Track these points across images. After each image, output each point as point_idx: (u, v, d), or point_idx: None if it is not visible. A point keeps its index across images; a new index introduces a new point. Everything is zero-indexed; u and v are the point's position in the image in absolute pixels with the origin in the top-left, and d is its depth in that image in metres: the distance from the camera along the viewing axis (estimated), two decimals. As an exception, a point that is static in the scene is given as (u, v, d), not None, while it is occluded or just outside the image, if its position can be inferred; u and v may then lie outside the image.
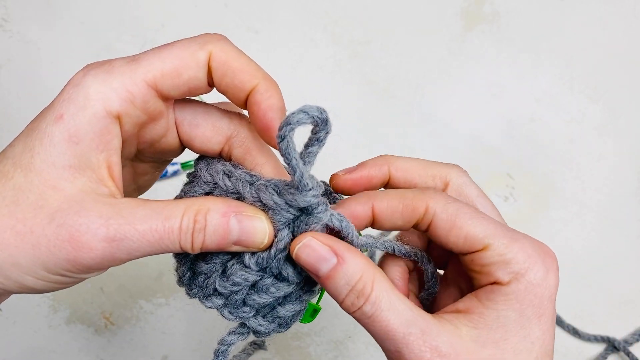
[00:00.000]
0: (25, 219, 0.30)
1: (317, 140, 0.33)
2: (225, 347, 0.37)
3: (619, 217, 0.77)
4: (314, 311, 0.38)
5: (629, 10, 0.84)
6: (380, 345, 0.33)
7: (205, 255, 0.36)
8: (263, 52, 0.80)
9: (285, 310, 0.36)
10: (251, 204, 0.34)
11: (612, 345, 0.71)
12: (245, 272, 0.34)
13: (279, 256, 0.34)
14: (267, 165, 0.36)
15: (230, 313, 0.36)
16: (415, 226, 0.35)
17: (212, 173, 0.35)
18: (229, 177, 0.35)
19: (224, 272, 0.35)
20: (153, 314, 0.71)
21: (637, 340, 0.72)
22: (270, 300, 0.35)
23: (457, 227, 0.33)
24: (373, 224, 0.36)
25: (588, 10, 0.84)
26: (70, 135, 0.30)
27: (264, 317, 0.36)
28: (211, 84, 0.34)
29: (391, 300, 0.32)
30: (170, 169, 0.73)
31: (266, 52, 0.80)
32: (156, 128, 0.34)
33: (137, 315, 0.71)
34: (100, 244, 0.30)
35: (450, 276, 0.39)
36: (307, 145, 0.33)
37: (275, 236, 0.33)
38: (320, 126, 0.32)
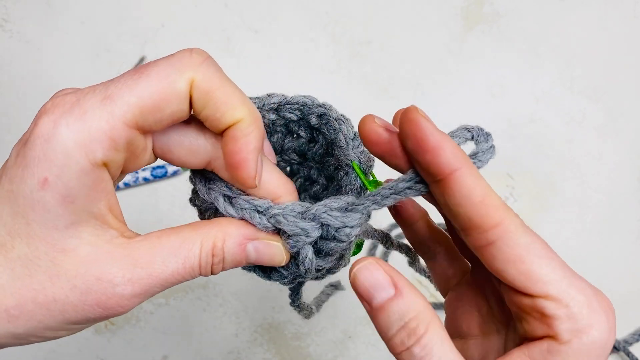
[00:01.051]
0: (44, 289, 0.29)
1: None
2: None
3: (619, 217, 0.78)
4: (358, 246, 0.39)
5: (629, 10, 0.84)
6: None
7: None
8: (263, 52, 0.80)
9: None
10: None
11: (612, 345, 0.71)
12: (285, 284, 0.37)
13: (310, 274, 0.35)
14: (261, 188, 0.34)
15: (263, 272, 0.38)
16: (466, 236, 0.30)
17: (212, 198, 0.34)
18: (232, 203, 0.33)
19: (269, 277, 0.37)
20: (153, 314, 0.71)
21: (637, 340, 0.72)
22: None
23: (524, 262, 0.28)
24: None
25: (588, 10, 0.84)
26: (63, 197, 0.28)
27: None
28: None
29: (444, 350, 0.28)
30: (170, 168, 0.73)
31: (266, 52, 0.80)
32: (140, 159, 0.33)
33: (137, 315, 0.71)
34: (128, 301, 0.30)
35: (466, 294, 0.36)
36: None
37: (297, 254, 0.34)
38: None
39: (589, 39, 0.83)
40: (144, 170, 0.73)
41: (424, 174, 0.30)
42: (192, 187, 0.37)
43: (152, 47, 0.79)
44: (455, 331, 0.37)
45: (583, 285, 0.29)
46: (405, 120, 0.29)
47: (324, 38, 0.82)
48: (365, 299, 0.30)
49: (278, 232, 0.33)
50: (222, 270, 0.33)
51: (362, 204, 0.32)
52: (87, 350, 0.70)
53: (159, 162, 0.77)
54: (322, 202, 0.33)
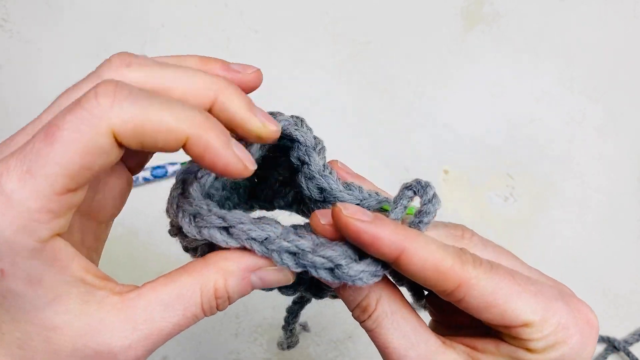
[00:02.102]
0: None
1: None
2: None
3: (619, 217, 0.77)
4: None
5: (629, 10, 0.84)
6: None
7: None
8: (263, 52, 0.80)
9: None
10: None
11: (612, 345, 0.71)
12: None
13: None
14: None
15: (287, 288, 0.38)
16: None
17: (204, 233, 0.31)
18: (230, 234, 0.31)
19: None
20: (153, 314, 0.71)
21: (637, 340, 0.72)
22: None
23: (493, 306, 0.31)
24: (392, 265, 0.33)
25: (588, 10, 0.84)
26: (27, 281, 0.27)
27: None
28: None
29: (395, 320, 0.32)
30: (170, 168, 0.73)
31: (266, 52, 0.80)
32: (100, 197, 0.32)
33: (137, 315, 0.71)
34: (98, 347, 0.28)
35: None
36: None
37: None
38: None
39: (589, 39, 0.83)
40: (144, 170, 0.73)
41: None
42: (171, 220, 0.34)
43: (152, 47, 0.79)
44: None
45: (558, 305, 0.32)
46: (338, 227, 0.31)
47: (324, 38, 0.82)
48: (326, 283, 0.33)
49: None
50: (225, 306, 0.32)
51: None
52: (87, 350, 0.70)
53: (159, 162, 0.77)
54: (319, 254, 0.31)
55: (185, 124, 0.27)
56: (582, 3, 0.84)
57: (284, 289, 0.37)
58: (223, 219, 0.31)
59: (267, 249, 0.31)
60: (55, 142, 0.26)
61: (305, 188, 0.36)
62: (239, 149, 0.29)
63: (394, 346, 0.32)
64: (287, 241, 0.31)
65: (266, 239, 0.31)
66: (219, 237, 0.31)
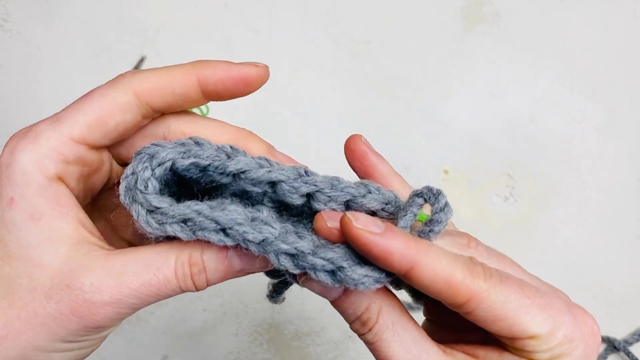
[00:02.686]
0: (25, 304, 0.30)
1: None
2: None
3: (619, 217, 0.78)
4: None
5: (629, 10, 0.84)
6: None
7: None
8: (263, 52, 0.80)
9: None
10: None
11: (612, 345, 0.71)
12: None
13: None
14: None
15: (270, 273, 0.37)
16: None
17: (199, 235, 0.30)
18: (226, 234, 0.30)
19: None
20: (153, 314, 0.71)
21: (637, 340, 0.72)
22: None
23: (502, 319, 0.31)
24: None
25: (588, 10, 0.84)
26: (30, 214, 0.31)
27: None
28: (154, 113, 0.34)
29: (396, 332, 0.32)
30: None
31: (266, 52, 0.80)
32: (101, 175, 0.34)
33: (137, 315, 0.71)
34: (100, 309, 0.30)
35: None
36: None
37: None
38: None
39: (589, 39, 0.83)
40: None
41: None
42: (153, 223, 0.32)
43: (152, 47, 0.79)
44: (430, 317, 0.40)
45: (565, 318, 0.32)
46: (346, 237, 0.30)
47: (324, 38, 0.82)
48: (323, 297, 0.33)
49: None
50: (208, 282, 0.32)
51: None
52: (87, 350, 0.70)
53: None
54: (320, 256, 0.30)
55: (188, 66, 0.33)
56: (582, 3, 0.84)
57: (269, 274, 0.36)
58: (217, 222, 0.30)
59: (265, 250, 0.30)
60: (86, 99, 0.32)
61: (327, 209, 0.34)
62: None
63: (395, 358, 0.32)
64: (286, 243, 0.30)
65: (263, 240, 0.30)
66: (216, 239, 0.30)
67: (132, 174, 0.31)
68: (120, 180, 0.31)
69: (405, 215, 0.33)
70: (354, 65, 0.81)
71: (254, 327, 0.72)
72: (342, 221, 0.30)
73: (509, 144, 0.79)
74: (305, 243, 0.30)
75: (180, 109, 0.34)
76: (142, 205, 0.31)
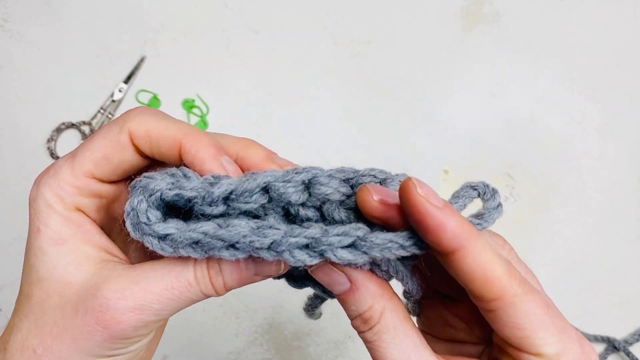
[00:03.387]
0: (56, 321, 0.32)
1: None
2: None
3: (619, 217, 0.78)
4: None
5: (629, 10, 0.84)
6: None
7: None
8: (263, 52, 0.80)
9: None
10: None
11: (612, 345, 0.71)
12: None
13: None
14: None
15: (296, 282, 0.37)
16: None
17: (211, 254, 0.31)
18: (236, 248, 0.30)
19: None
20: (153, 314, 0.71)
21: (637, 340, 0.72)
22: None
23: (520, 328, 0.30)
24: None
25: (588, 10, 0.84)
26: (54, 240, 0.33)
27: None
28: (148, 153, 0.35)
29: (397, 336, 0.31)
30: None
31: (266, 52, 0.80)
32: (122, 203, 0.35)
33: (137, 315, 0.71)
34: (124, 316, 0.31)
35: (463, 313, 0.38)
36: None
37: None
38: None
39: (589, 39, 0.83)
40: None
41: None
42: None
43: (152, 47, 0.79)
44: (429, 330, 0.40)
45: (574, 347, 0.32)
46: (403, 200, 0.29)
47: (324, 38, 0.82)
48: (330, 289, 0.33)
49: None
50: (226, 285, 0.33)
51: (368, 250, 0.30)
52: (87, 350, 0.70)
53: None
54: (333, 234, 0.30)
55: (181, 132, 0.33)
56: (582, 3, 0.84)
57: (292, 282, 0.36)
58: (223, 240, 0.30)
59: (277, 252, 0.30)
60: (94, 137, 0.35)
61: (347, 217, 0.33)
62: (227, 162, 0.33)
63: None
64: (294, 236, 0.30)
65: (272, 243, 0.30)
66: (227, 255, 0.30)
67: (132, 210, 0.31)
68: (124, 218, 0.32)
69: (455, 204, 0.33)
70: (354, 65, 0.81)
71: (254, 327, 0.72)
72: (404, 185, 0.29)
73: (509, 144, 0.79)
74: (313, 230, 0.30)
75: (159, 159, 0.35)
76: (152, 236, 0.31)
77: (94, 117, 0.76)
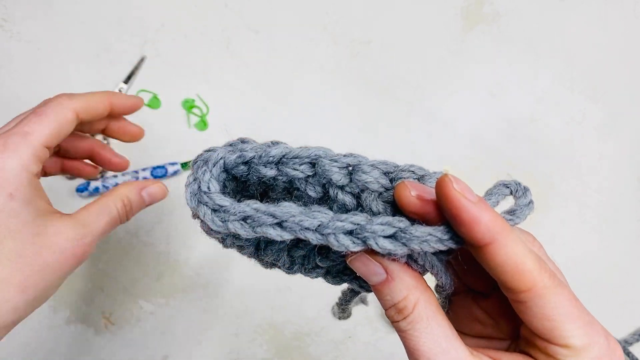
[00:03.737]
0: (34, 255, 0.43)
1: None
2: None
3: (619, 217, 0.78)
4: None
5: (629, 10, 0.84)
6: None
7: (298, 243, 0.38)
8: (263, 52, 0.80)
9: None
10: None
11: None
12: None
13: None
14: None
15: (333, 278, 0.38)
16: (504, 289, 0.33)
17: (258, 231, 0.32)
18: (282, 227, 0.32)
19: (319, 251, 0.37)
20: (153, 314, 0.71)
21: (637, 340, 0.72)
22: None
23: (549, 320, 0.32)
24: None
25: (588, 10, 0.84)
26: (25, 202, 0.44)
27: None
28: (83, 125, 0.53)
29: (430, 326, 0.32)
30: (170, 168, 0.73)
31: (266, 52, 0.80)
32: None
33: (137, 315, 0.71)
34: (68, 243, 0.44)
35: (491, 308, 0.39)
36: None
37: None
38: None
39: (589, 39, 0.83)
40: (144, 170, 0.73)
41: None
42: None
43: (152, 47, 0.79)
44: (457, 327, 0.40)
45: (600, 340, 0.33)
46: (439, 195, 0.31)
47: (324, 38, 0.82)
48: (366, 279, 0.34)
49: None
50: (132, 213, 0.51)
51: (408, 241, 0.31)
52: (87, 351, 0.70)
53: (159, 162, 0.76)
54: (377, 223, 0.31)
55: (105, 94, 0.53)
56: (582, 3, 0.84)
57: (329, 278, 0.37)
58: (274, 216, 0.31)
59: (322, 234, 0.31)
60: (45, 117, 0.47)
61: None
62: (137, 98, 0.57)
63: (424, 349, 0.32)
64: (341, 221, 0.31)
65: (319, 225, 0.31)
66: (274, 233, 0.31)
67: (195, 180, 0.34)
68: (185, 187, 0.34)
69: (489, 200, 0.34)
70: (354, 65, 0.81)
71: (254, 327, 0.72)
72: (440, 181, 0.31)
73: (509, 144, 0.79)
74: (359, 217, 0.31)
75: (90, 120, 0.52)
76: (207, 205, 0.33)
77: (94, 117, 0.76)
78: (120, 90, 0.77)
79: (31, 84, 0.77)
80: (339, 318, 0.46)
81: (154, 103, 0.77)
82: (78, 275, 0.72)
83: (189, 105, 0.77)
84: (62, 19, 0.79)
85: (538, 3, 0.84)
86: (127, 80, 0.77)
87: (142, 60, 0.79)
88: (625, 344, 0.71)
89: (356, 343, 0.71)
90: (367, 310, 0.72)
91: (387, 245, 0.30)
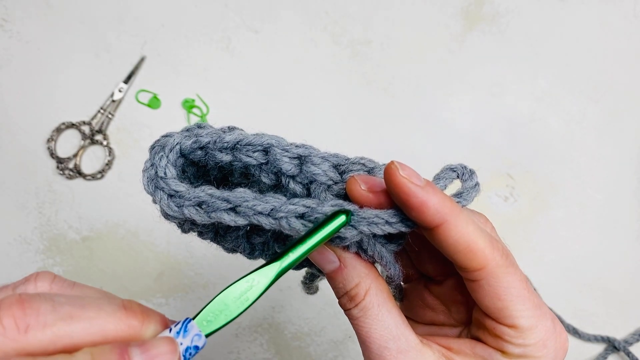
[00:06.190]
0: None
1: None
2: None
3: (619, 217, 0.78)
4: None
5: (629, 10, 0.84)
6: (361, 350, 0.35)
7: (257, 230, 0.38)
8: (263, 52, 0.80)
9: None
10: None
11: (612, 345, 0.71)
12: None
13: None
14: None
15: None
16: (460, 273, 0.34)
17: (213, 216, 0.32)
18: (236, 212, 0.32)
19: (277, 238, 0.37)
20: (153, 314, 0.71)
21: (637, 340, 0.72)
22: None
23: (499, 299, 0.32)
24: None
25: (588, 10, 0.84)
26: None
27: None
28: None
29: (380, 313, 0.33)
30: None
31: (266, 52, 0.80)
32: None
33: (137, 315, 0.71)
34: None
35: (444, 294, 0.39)
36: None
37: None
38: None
39: (589, 39, 0.83)
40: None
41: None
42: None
43: (152, 47, 0.79)
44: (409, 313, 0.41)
45: (547, 323, 0.33)
46: (388, 183, 0.32)
47: (324, 38, 0.82)
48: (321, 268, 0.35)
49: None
50: None
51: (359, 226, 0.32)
52: (87, 350, 0.70)
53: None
54: (328, 205, 0.31)
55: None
56: (582, 3, 0.84)
57: (294, 267, 0.38)
58: (228, 201, 0.32)
59: (275, 218, 0.31)
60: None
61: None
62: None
63: (375, 337, 0.33)
64: (293, 204, 0.31)
65: (272, 209, 0.31)
66: (228, 218, 0.32)
67: (152, 165, 0.34)
68: (142, 172, 0.34)
69: (437, 185, 0.34)
70: (354, 65, 0.81)
71: (254, 327, 0.72)
72: (387, 169, 0.31)
73: (509, 144, 0.79)
74: (310, 200, 0.32)
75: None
76: (163, 191, 0.33)
77: (94, 117, 0.76)
78: (120, 91, 0.77)
79: (31, 84, 0.77)
80: (307, 293, 0.47)
81: (154, 103, 0.77)
82: (78, 275, 0.72)
83: (189, 105, 0.77)
84: (62, 19, 0.79)
85: (538, 3, 0.84)
86: (127, 80, 0.77)
87: (142, 60, 0.79)
88: (625, 344, 0.71)
89: (356, 343, 0.71)
90: (367, 310, 0.72)
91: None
